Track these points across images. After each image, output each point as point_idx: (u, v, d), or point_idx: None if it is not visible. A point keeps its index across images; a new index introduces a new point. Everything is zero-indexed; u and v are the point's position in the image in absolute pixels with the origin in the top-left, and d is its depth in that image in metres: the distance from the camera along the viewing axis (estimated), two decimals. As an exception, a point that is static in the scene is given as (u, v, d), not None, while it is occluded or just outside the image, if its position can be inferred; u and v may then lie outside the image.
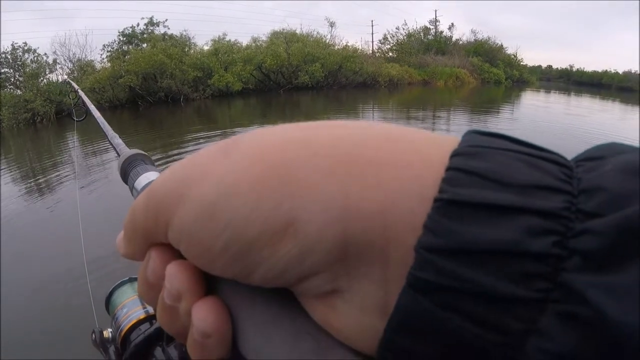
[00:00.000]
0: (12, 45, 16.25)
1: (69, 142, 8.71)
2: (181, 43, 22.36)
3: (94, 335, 0.56)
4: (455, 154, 0.13)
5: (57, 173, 5.51)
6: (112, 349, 0.55)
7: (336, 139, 0.14)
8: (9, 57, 15.90)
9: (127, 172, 0.46)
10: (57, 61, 17.97)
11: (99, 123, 0.73)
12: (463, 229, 0.11)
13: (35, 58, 17.15)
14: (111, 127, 0.65)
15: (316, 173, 0.13)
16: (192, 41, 24.12)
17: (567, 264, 0.10)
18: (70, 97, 0.89)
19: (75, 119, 0.90)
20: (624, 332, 0.09)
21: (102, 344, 0.55)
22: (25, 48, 16.78)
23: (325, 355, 0.14)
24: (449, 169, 0.12)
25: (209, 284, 0.16)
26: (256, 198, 0.13)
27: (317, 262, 0.13)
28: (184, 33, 24.00)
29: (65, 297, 2.34)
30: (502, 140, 0.13)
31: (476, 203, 0.11)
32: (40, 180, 5.28)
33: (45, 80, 16.25)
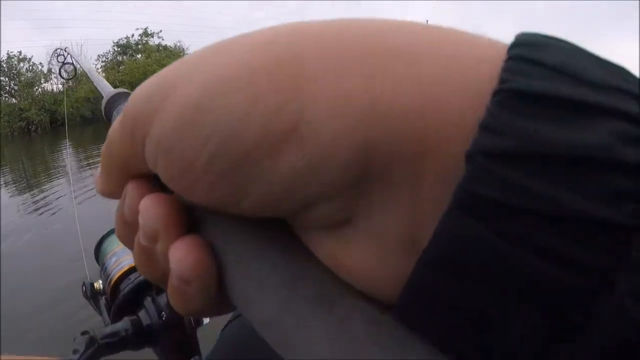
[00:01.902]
0: (7, 54, 16.29)
1: (64, 151, 8.67)
2: (175, 54, 22.49)
3: (84, 288, 0.55)
4: (514, 45, 0.10)
5: (50, 181, 5.49)
6: (102, 301, 0.54)
7: (361, 27, 0.11)
8: (4, 65, 15.92)
9: (110, 112, 0.44)
10: (52, 70, 17.98)
11: (85, 71, 0.73)
12: (538, 128, 0.08)
13: (30, 67, 17.17)
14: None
15: (334, 65, 0.10)
16: (187, 52, 24.31)
17: None
18: (59, 60, 0.89)
19: (63, 77, 0.90)
20: None
21: (93, 296, 0.54)
22: (21, 57, 16.82)
23: (331, 303, 0.11)
24: (509, 58, 0.09)
25: (191, 222, 0.14)
26: (254, 95, 0.10)
27: (329, 181, 0.10)
28: (178, 44, 24.23)
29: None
30: (563, 42, 0.10)
31: (552, 96, 0.09)
32: (33, 185, 5.25)
33: (40, 89, 16.28)
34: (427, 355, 0.09)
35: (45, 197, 4.46)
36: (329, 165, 0.10)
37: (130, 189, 0.14)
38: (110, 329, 0.50)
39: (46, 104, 14.32)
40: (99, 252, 0.58)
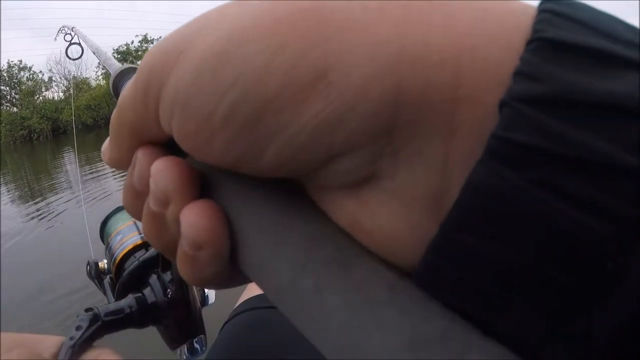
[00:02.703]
0: (7, 63, 16.38)
1: (66, 159, 8.71)
2: (176, 59, 22.57)
3: (88, 267, 0.55)
4: (545, 1, 0.10)
5: (53, 183, 5.51)
6: (106, 280, 0.55)
7: None
8: (5, 75, 16.00)
9: (118, 88, 0.45)
10: (53, 79, 18.08)
11: (92, 50, 0.74)
12: (572, 76, 0.08)
13: (31, 76, 17.25)
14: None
15: (364, 12, 0.10)
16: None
17: None
18: (65, 39, 0.89)
19: (70, 57, 0.90)
20: None
21: (98, 275, 0.55)
22: (21, 66, 16.90)
23: (349, 267, 0.10)
24: (541, 12, 0.09)
25: (203, 187, 0.13)
26: (279, 42, 0.10)
27: (355, 131, 0.10)
28: (179, 49, 24.30)
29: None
30: (589, 6, 0.11)
31: (585, 47, 0.09)
32: (35, 191, 5.27)
33: (41, 97, 16.36)
34: (448, 320, 0.09)
35: (48, 204, 4.47)
36: (357, 112, 0.09)
37: (141, 155, 0.14)
38: (114, 306, 0.50)
39: (47, 112, 14.41)
40: (103, 231, 0.58)
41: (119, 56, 22.83)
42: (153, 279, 0.52)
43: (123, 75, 0.46)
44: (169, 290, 0.53)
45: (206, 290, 0.59)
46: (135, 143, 0.14)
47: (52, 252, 2.97)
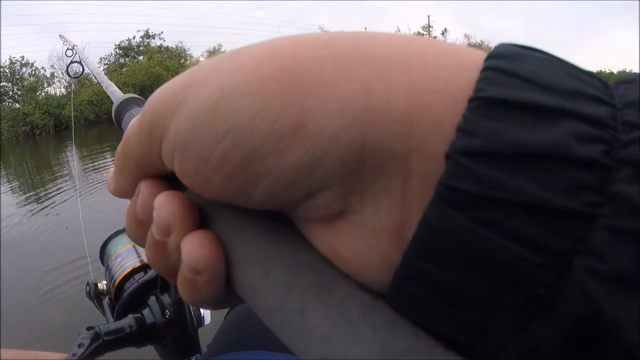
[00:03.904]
0: (9, 59, 16.37)
1: (68, 154, 8.72)
2: (177, 55, 22.53)
3: (87, 288, 0.57)
4: (490, 57, 0.11)
5: (55, 180, 5.53)
6: (106, 301, 0.56)
7: (358, 39, 0.12)
8: (7, 71, 16.00)
9: (120, 117, 0.46)
10: (55, 74, 18.06)
11: (94, 75, 0.74)
12: (505, 130, 0.10)
13: (33, 72, 17.22)
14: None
15: (334, 71, 0.11)
16: (188, 53, 24.37)
17: (616, 175, 0.09)
18: (67, 54, 0.89)
19: (71, 75, 0.91)
20: None
21: (97, 296, 0.56)
22: (23, 62, 16.87)
23: (330, 289, 0.12)
24: (485, 69, 0.11)
25: (201, 218, 0.15)
26: (263, 98, 0.11)
27: (329, 173, 0.11)
28: (180, 45, 24.27)
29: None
30: (538, 52, 0.12)
31: (519, 102, 0.10)
32: (39, 191, 5.29)
33: (43, 93, 16.36)
34: (414, 335, 0.11)
35: (51, 202, 4.49)
36: (329, 157, 0.11)
37: (144, 187, 0.15)
38: (115, 325, 0.51)
39: (50, 107, 14.41)
40: (103, 253, 0.59)
41: (121, 51, 22.80)
42: (152, 300, 0.53)
43: (125, 105, 0.47)
44: (167, 311, 0.54)
45: (202, 311, 0.60)
46: (139, 175, 0.16)
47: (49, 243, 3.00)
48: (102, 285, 0.57)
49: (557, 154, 0.09)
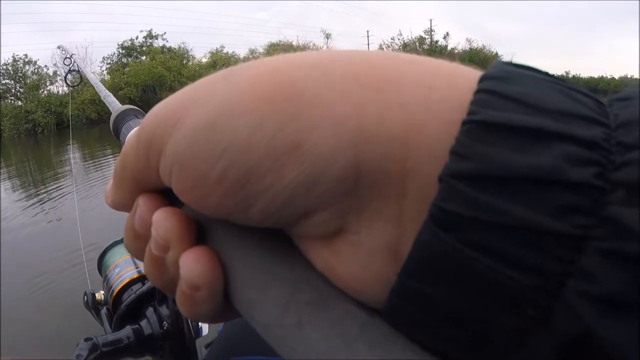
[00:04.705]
0: (12, 57, 16.43)
1: (70, 152, 8.73)
2: (179, 55, 22.55)
3: (85, 298, 0.56)
4: (484, 78, 0.11)
5: (56, 175, 5.54)
6: (104, 311, 0.56)
7: (352, 59, 0.12)
8: (10, 68, 16.05)
9: (118, 128, 0.46)
10: (58, 73, 18.10)
11: (92, 84, 0.74)
12: (497, 154, 0.10)
13: (36, 70, 17.27)
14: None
15: (328, 92, 0.11)
16: (190, 53, 24.41)
17: (610, 197, 0.09)
18: (65, 62, 0.89)
19: (69, 84, 0.91)
20: None
21: (94, 306, 0.56)
22: (26, 60, 16.94)
23: (327, 307, 0.12)
24: (478, 91, 0.11)
25: (199, 234, 0.15)
26: (260, 118, 0.11)
27: (325, 192, 0.11)
28: (182, 45, 24.31)
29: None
30: (532, 71, 0.12)
31: (512, 126, 0.10)
32: (39, 187, 5.30)
33: (45, 91, 16.42)
34: (409, 351, 0.11)
35: (51, 200, 4.50)
36: (326, 177, 0.11)
37: (142, 202, 0.15)
38: (113, 336, 0.51)
39: (52, 106, 14.46)
40: (101, 264, 0.59)
41: (124, 51, 22.85)
42: (150, 311, 0.53)
43: (123, 116, 0.47)
44: (164, 322, 0.54)
45: (200, 323, 0.60)
46: (137, 189, 0.16)
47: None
48: (100, 295, 0.56)
49: (549, 178, 0.10)
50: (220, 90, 0.13)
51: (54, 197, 4.61)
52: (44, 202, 4.44)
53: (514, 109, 0.10)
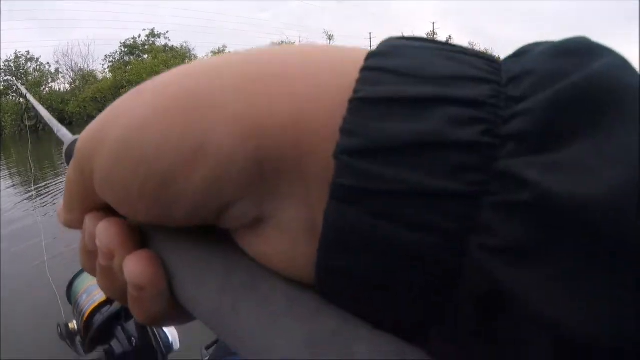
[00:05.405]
0: (15, 53, 16.45)
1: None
2: (182, 54, 22.50)
3: (59, 329, 0.57)
4: (369, 57, 0.12)
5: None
6: (78, 339, 0.57)
7: (246, 59, 0.13)
8: (12, 65, 16.09)
9: (70, 157, 0.44)
10: (59, 70, 18.13)
11: (45, 120, 0.75)
12: (381, 126, 0.10)
13: (38, 67, 17.30)
14: None
15: (223, 93, 0.12)
16: (193, 52, 24.37)
17: (500, 152, 0.10)
18: (22, 101, 0.93)
19: (27, 123, 0.93)
20: (574, 206, 0.08)
21: (69, 336, 0.57)
22: (28, 57, 16.95)
23: (257, 286, 0.13)
24: (362, 70, 0.11)
25: (142, 240, 0.16)
26: (165, 127, 0.12)
27: (235, 186, 0.12)
28: (185, 45, 24.28)
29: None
30: (421, 42, 0.12)
31: (392, 98, 0.11)
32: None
33: (47, 88, 16.43)
34: (339, 320, 0.11)
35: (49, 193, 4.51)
36: (232, 172, 0.12)
37: (88, 220, 0.16)
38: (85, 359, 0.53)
39: (53, 103, 14.48)
40: (70, 291, 0.60)
41: (126, 49, 22.82)
42: (118, 330, 0.54)
43: (74, 146, 0.48)
44: (133, 338, 0.56)
45: (170, 336, 0.62)
46: (85, 208, 0.17)
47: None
48: (73, 324, 0.58)
49: (433, 141, 0.10)
50: (130, 108, 0.13)
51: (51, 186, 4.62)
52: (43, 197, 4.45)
53: (396, 81, 0.11)
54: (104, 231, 0.15)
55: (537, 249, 0.09)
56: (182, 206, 0.13)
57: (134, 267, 0.15)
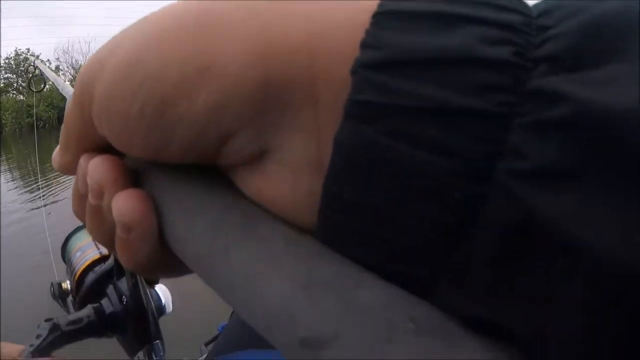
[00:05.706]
0: (15, 51, 16.47)
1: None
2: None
3: (52, 289, 0.58)
4: None
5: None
6: (69, 299, 0.58)
7: None
8: (12, 62, 16.10)
9: None
10: (60, 67, 18.14)
11: (52, 80, 0.76)
12: (405, 39, 0.10)
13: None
14: None
15: (237, 12, 0.12)
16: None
17: (533, 73, 0.09)
18: (29, 70, 0.94)
19: (34, 89, 0.94)
20: (618, 119, 0.08)
21: (61, 295, 0.58)
22: (29, 54, 16.99)
23: (254, 227, 0.12)
24: None
25: (136, 181, 0.15)
26: (172, 46, 0.12)
27: (238, 113, 0.12)
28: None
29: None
30: None
31: (420, 12, 0.10)
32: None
33: (48, 85, 16.43)
34: (339, 264, 0.11)
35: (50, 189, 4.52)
36: (235, 96, 0.11)
37: (82, 160, 0.16)
38: (73, 316, 0.53)
39: (54, 100, 14.49)
40: (65, 250, 0.61)
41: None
42: (110, 289, 0.55)
43: None
44: (124, 297, 0.56)
45: (162, 298, 0.62)
46: (80, 150, 0.16)
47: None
48: (66, 284, 0.58)
49: (462, 57, 0.09)
50: (138, 29, 0.13)
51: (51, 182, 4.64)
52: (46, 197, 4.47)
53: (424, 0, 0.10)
54: (96, 167, 0.15)
55: (574, 171, 0.08)
56: (180, 135, 0.12)
57: (123, 204, 0.14)
